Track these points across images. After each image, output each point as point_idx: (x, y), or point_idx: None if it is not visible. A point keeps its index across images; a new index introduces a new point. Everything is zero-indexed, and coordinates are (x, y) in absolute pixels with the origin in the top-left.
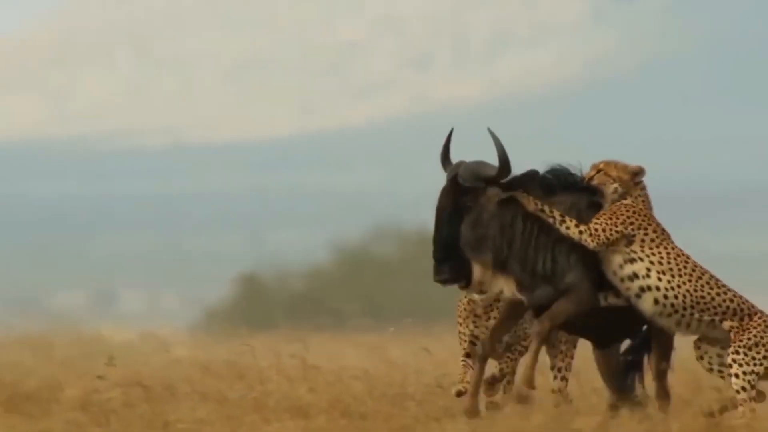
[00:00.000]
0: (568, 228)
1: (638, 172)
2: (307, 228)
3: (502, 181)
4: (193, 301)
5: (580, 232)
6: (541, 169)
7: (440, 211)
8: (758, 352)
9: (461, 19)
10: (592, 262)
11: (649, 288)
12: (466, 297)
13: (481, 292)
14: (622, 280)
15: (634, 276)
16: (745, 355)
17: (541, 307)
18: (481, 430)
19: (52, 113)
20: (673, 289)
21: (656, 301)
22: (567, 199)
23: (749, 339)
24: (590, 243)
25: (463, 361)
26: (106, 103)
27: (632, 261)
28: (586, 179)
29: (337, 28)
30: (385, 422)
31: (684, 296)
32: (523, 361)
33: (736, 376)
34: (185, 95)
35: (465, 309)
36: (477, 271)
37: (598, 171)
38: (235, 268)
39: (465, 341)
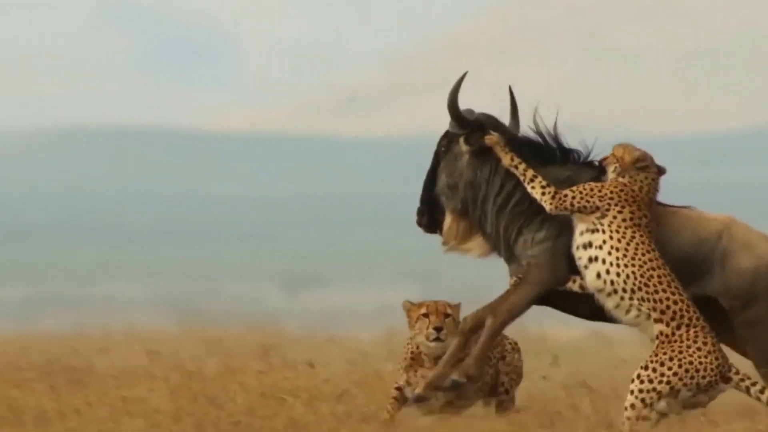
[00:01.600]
0: (533, 188)
1: (640, 159)
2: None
3: (507, 136)
4: None
5: (543, 193)
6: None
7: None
8: (669, 368)
9: None
10: (567, 243)
11: (596, 259)
12: (411, 343)
13: (452, 245)
14: (578, 248)
15: (589, 245)
16: (654, 371)
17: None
18: None
19: (499, 107)
20: (618, 266)
21: (599, 275)
22: (564, 173)
23: (665, 353)
24: (547, 205)
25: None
26: (549, 96)
27: (594, 231)
28: (601, 159)
29: None
30: None
31: (627, 277)
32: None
33: (631, 392)
34: (629, 88)
35: (409, 356)
36: (447, 220)
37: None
38: None
39: (395, 388)
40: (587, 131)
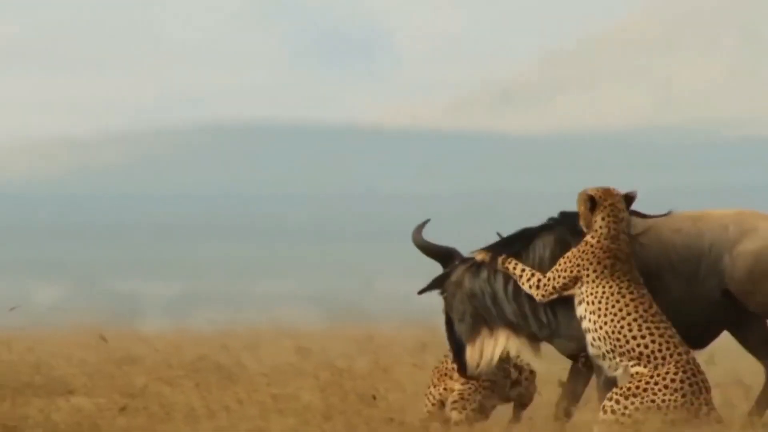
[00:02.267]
0: (524, 284)
1: (586, 200)
2: None
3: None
4: None
5: (530, 287)
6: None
7: None
8: (632, 403)
9: None
10: None
11: (587, 330)
12: (447, 356)
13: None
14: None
15: (581, 318)
16: (617, 403)
17: (574, 355)
18: None
19: (658, 102)
20: (597, 330)
21: (591, 344)
22: (548, 242)
23: (628, 389)
24: (537, 296)
25: None
26: (712, 90)
27: (580, 302)
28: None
29: None
30: None
31: (604, 339)
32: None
33: (602, 422)
34: None
35: (444, 369)
36: (467, 352)
37: None
38: None
39: (431, 403)
40: (749, 125)
